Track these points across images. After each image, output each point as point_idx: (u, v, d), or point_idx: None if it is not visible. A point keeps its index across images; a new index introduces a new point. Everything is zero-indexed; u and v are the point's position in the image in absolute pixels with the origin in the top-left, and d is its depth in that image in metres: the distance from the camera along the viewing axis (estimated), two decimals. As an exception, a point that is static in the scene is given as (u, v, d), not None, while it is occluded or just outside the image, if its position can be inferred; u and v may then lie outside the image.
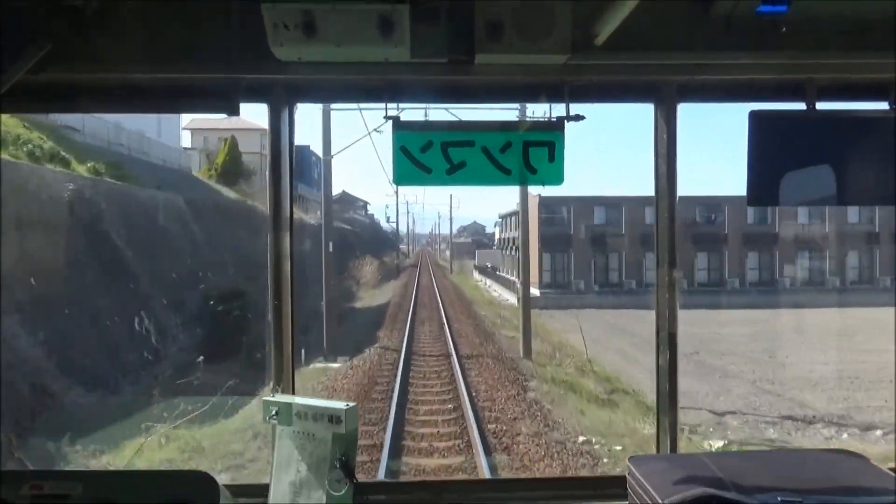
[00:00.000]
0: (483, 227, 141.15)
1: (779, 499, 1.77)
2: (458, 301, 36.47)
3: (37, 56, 2.17)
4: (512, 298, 37.50)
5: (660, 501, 1.80)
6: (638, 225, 39.02)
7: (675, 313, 2.57)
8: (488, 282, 53.66)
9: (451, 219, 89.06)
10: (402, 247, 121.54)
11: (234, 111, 2.50)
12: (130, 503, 1.77)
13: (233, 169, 32.06)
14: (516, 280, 32.15)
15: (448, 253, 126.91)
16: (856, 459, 2.14)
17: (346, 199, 75.97)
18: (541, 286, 40.25)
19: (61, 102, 2.65)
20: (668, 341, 2.56)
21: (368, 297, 35.54)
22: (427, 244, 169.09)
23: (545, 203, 39.93)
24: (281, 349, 2.53)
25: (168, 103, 2.66)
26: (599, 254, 42.07)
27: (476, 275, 65.29)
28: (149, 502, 1.77)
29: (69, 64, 2.28)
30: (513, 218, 53.96)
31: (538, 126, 2.45)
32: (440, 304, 32.20)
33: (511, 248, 55.40)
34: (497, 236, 67.74)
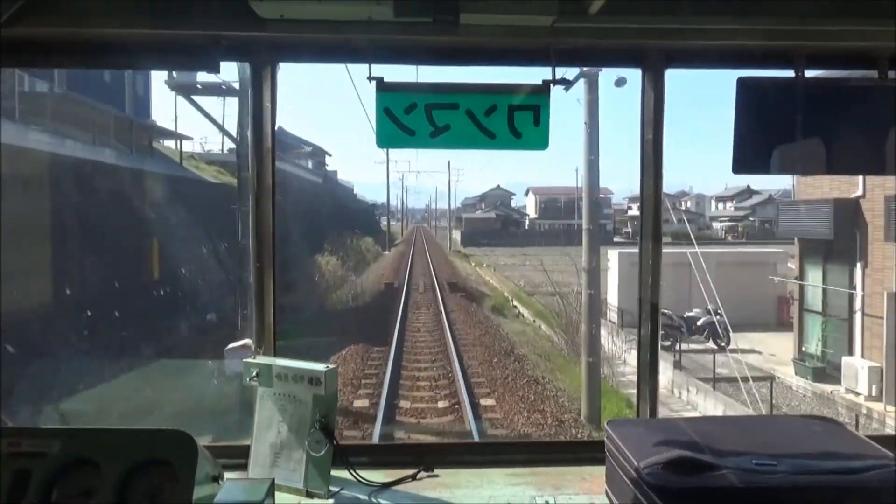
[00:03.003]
0: (509, 196, 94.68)
1: (753, 462, 1.80)
2: None
3: (10, 10, 2.10)
4: None
5: (636, 464, 1.83)
6: None
7: (657, 284, 2.59)
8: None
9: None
10: (390, 224, 72.13)
11: (214, 69, 2.46)
12: (108, 461, 1.77)
13: None
14: None
15: (458, 236, 67.58)
16: (832, 425, 2.18)
17: (282, 144, 40.16)
18: None
19: (38, 57, 2.58)
20: (650, 312, 2.60)
21: None
22: (422, 220, 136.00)
23: None
24: (262, 311, 2.52)
25: (147, 60, 2.60)
26: None
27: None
28: (127, 460, 1.77)
29: (45, 18, 2.22)
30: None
31: (524, 90, 2.42)
32: None
33: None
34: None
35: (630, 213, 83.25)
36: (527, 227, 76.71)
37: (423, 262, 41.90)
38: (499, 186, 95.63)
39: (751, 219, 79.12)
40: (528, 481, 2.32)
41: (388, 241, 58.99)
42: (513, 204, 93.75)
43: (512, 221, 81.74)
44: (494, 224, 75.37)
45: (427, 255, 47.78)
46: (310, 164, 46.28)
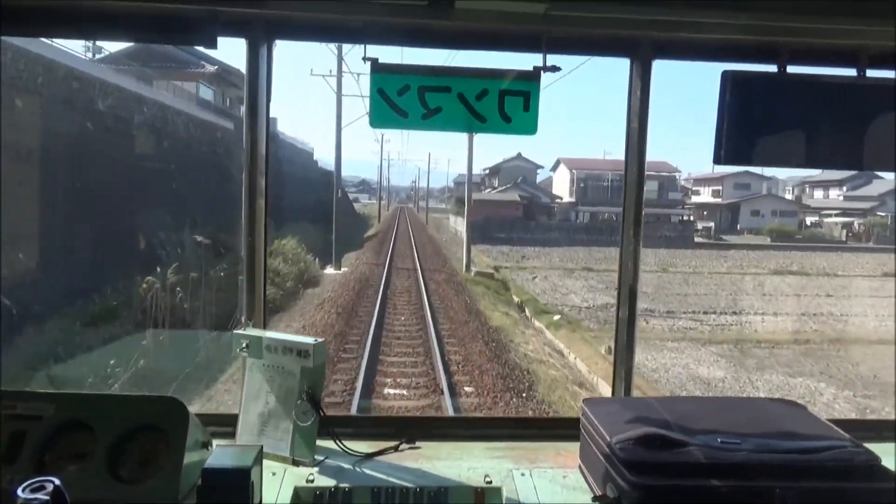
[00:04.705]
0: (534, 169, 66.12)
1: (719, 440, 1.90)
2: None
3: None
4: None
5: (608, 439, 1.92)
6: None
7: (637, 268, 2.67)
8: None
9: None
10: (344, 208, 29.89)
11: (211, 44, 2.47)
12: (102, 425, 1.83)
13: None
14: None
15: (462, 227, 31.96)
16: (794, 408, 2.29)
17: (163, 56, 25.04)
18: None
19: (35, 27, 2.59)
20: (628, 295, 2.68)
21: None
22: (407, 199, 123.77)
23: None
24: (253, 284, 2.58)
25: (143, 33, 2.61)
26: None
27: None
28: (120, 425, 1.83)
29: None
30: None
31: (515, 75, 2.47)
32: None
33: None
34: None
35: (696, 198, 63.57)
36: (558, 216, 54.35)
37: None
38: (520, 155, 65.09)
39: (879, 213, 57.21)
40: (506, 455, 2.40)
41: (337, 252, 26.99)
42: (538, 179, 66.04)
43: (541, 207, 55.10)
44: (515, 210, 50.74)
45: (424, 301, 18.83)
46: (211, 95, 27.59)
